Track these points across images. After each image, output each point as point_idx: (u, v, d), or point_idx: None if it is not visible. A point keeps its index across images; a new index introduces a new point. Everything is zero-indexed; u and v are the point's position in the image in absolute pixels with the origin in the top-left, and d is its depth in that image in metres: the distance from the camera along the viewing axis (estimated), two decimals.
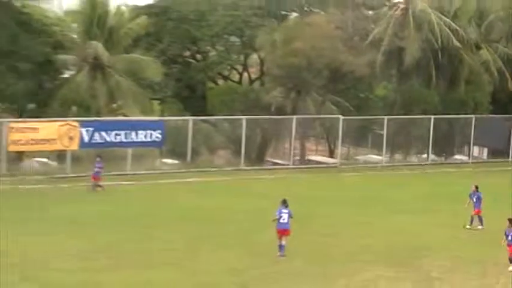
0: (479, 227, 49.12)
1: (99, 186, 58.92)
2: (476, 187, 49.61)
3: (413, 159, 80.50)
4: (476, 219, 49.06)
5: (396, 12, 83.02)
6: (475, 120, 79.31)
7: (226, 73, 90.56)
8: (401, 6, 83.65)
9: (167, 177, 67.33)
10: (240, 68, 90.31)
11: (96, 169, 59.69)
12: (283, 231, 41.95)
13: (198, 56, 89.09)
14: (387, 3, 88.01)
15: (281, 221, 41.81)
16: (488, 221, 48.25)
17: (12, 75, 69.48)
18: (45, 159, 71.37)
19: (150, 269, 39.28)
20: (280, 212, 41.89)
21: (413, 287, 37.44)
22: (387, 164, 76.34)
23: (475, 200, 49.27)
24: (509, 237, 39.69)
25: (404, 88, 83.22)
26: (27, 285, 36.45)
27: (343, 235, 47.16)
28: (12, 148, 65.35)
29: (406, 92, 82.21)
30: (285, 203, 42.54)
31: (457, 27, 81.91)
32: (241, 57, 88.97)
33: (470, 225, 49.11)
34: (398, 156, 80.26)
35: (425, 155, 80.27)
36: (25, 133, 65.46)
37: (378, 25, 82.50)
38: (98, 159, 61.41)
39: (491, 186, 55.92)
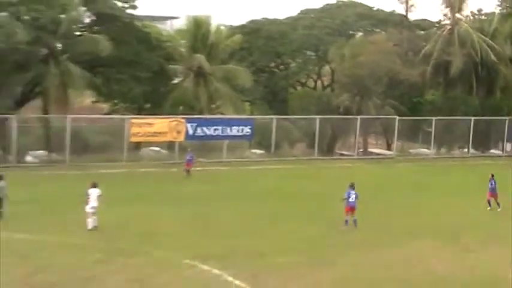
0: (498, 209, 48.76)
1: (188, 171, 59.17)
2: (492, 175, 49.37)
3: (457, 152, 79.95)
4: (493, 202, 48.92)
5: (444, 32, 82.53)
6: (508, 121, 78.70)
7: (303, 81, 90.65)
8: (448, 27, 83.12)
9: (254, 164, 68.03)
10: (315, 76, 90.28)
11: (188, 158, 60.40)
12: (350, 209, 42.52)
13: (281, 67, 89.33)
14: (436, 25, 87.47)
15: (349, 200, 42.36)
16: None
17: (133, 81, 70.21)
18: (157, 148, 72.07)
19: (236, 238, 39.77)
20: (349, 193, 42.49)
21: (453, 257, 37.52)
22: (435, 156, 76.10)
23: (491, 186, 49.14)
24: None
25: (450, 95, 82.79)
26: (146, 246, 37.27)
27: (398, 213, 47.36)
28: (133, 139, 66.76)
29: (451, 98, 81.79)
30: (352, 186, 43.06)
31: (494, 45, 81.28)
32: (316, 68, 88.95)
33: (490, 207, 48.84)
34: (443, 150, 79.75)
35: (466, 149, 79.82)
36: (142, 127, 66.56)
37: (428, 42, 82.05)
38: (189, 149, 63.56)
39: None
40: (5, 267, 33.41)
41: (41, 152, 67.74)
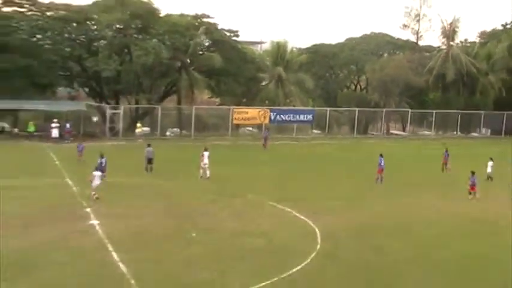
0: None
1: (264, 145, 58.79)
2: (446, 149, 49.44)
3: (449, 134, 78.91)
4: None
5: (442, 54, 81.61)
6: (484, 114, 78.00)
7: (348, 85, 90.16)
8: (445, 50, 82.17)
9: (314, 140, 68.17)
10: (355, 82, 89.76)
11: (264, 135, 60.31)
12: (380, 170, 42.63)
13: (333, 76, 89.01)
14: (437, 49, 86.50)
15: (381, 164, 42.49)
16: None
17: (235, 84, 70.95)
18: (250, 128, 72.50)
19: (301, 188, 40.15)
20: (380, 160, 42.54)
21: (456, 202, 37.51)
22: (434, 137, 75.25)
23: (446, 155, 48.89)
24: None
25: (445, 95, 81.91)
26: (242, 192, 37.88)
27: (410, 173, 47.25)
28: (235, 122, 67.26)
29: (446, 98, 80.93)
30: (381, 155, 43.13)
31: (475, 62, 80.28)
32: (356, 77, 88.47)
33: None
34: (440, 132, 78.73)
35: (455, 132, 78.93)
36: (241, 114, 67.30)
37: (431, 60, 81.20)
38: (265, 129, 63.80)
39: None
40: (151, 202, 34.47)
41: (175, 129, 68.87)
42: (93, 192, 34.42)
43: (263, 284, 22.67)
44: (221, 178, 42.43)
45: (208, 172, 42.35)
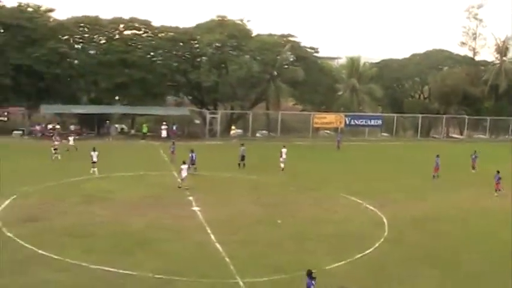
0: None
1: (338, 147, 57.56)
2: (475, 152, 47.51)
3: (501, 138, 75.98)
4: None
5: (495, 68, 78.91)
6: None
7: (412, 94, 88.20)
8: (498, 65, 79.33)
9: (383, 141, 67.16)
10: (419, 92, 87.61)
11: (338, 138, 58.98)
12: (436, 169, 42.08)
13: (400, 86, 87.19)
14: (491, 64, 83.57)
15: (437, 163, 41.76)
16: None
17: (315, 93, 70.50)
18: (328, 131, 71.93)
19: (371, 182, 39.70)
20: (437, 160, 41.98)
21: (499, 198, 36.30)
22: (488, 140, 72.87)
23: None
24: None
25: (498, 104, 79.16)
26: (319, 185, 37.70)
27: (463, 171, 45.75)
28: (315, 125, 67.12)
29: (499, 106, 78.17)
30: (438, 156, 42.51)
31: None
32: (420, 87, 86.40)
33: None
34: (493, 136, 75.99)
35: (507, 136, 75.93)
36: (320, 119, 67.15)
37: (486, 73, 78.65)
38: (339, 132, 62.58)
39: None
40: (243, 193, 34.78)
41: (264, 131, 69.05)
42: (181, 181, 35.49)
43: (339, 263, 22.71)
44: (301, 173, 42.50)
45: (282, 165, 42.82)
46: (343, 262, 22.86)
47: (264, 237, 25.81)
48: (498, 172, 37.62)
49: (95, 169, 38.88)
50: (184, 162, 36.26)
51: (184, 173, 35.39)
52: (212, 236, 25.53)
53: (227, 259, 22.28)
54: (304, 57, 70.42)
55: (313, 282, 17.82)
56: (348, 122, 67.95)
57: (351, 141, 62.72)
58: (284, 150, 43.69)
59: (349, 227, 28.03)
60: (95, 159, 39.07)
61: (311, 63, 70.78)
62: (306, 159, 48.82)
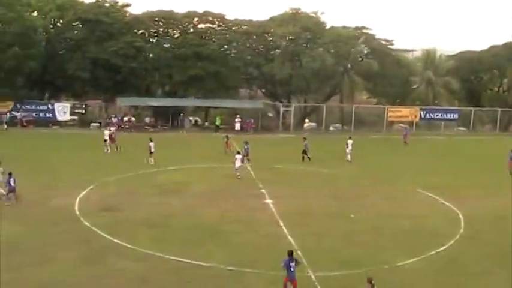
0: None
1: (406, 142, 54.74)
2: None
3: None
4: None
5: None
6: None
7: (491, 87, 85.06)
8: None
9: (459, 136, 65.19)
10: (498, 85, 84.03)
11: (404, 132, 56.60)
12: (511, 164, 40.32)
13: (477, 79, 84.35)
14: None
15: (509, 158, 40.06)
16: None
17: (390, 87, 69.26)
18: (402, 125, 69.92)
19: (443, 176, 38.67)
20: (510, 154, 40.24)
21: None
22: None
23: None
24: None
25: None
26: (391, 179, 36.97)
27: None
28: (390, 119, 66.15)
29: None
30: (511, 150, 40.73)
31: None
32: (499, 80, 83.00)
33: None
34: None
35: None
36: (395, 112, 66.28)
37: None
38: (407, 126, 60.54)
39: None
40: (316, 186, 34.58)
41: (337, 125, 68.49)
42: (237, 172, 36.09)
43: (413, 260, 22.26)
44: (374, 167, 41.93)
45: (349, 157, 42.91)
46: (416, 258, 22.37)
47: (337, 231, 25.57)
48: None
49: (152, 159, 39.92)
50: (238, 153, 37.28)
51: (238, 163, 36.21)
52: (284, 229, 25.49)
53: (299, 252, 22.13)
54: (379, 50, 69.41)
55: (291, 264, 18.17)
56: (423, 116, 66.53)
57: (426, 135, 61.27)
58: (350, 141, 43.72)
59: (424, 223, 27.38)
60: (152, 149, 40.34)
61: (385, 55, 69.55)
62: (379, 153, 48.08)
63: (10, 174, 28.60)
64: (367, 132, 60.97)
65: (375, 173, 39.76)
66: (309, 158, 42.78)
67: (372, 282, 17.27)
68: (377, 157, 45.48)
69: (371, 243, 24.17)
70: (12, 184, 28.44)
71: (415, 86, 73.13)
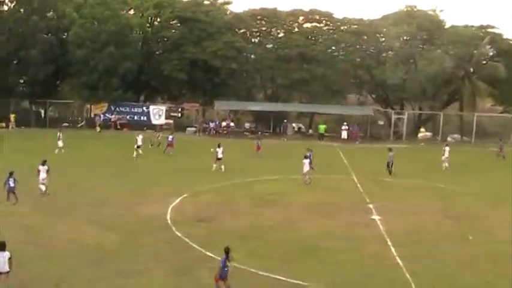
0: None
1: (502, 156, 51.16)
2: None
3: None
4: None
5: None
6: None
7: None
8: None
9: None
10: None
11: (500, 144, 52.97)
12: None
13: None
14: None
15: None
16: None
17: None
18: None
19: None
20: None
21: None
22: None
23: None
24: None
25: None
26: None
27: None
28: None
29: None
30: None
31: None
32: None
33: None
34: None
35: None
36: None
37: None
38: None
39: None
40: (429, 202, 33.62)
41: (456, 135, 66.81)
42: (306, 176, 37.43)
43: None
44: (497, 183, 40.08)
45: (446, 164, 43.84)
46: None
47: (452, 255, 24.64)
48: None
49: (216, 165, 40.79)
50: (306, 157, 37.77)
51: (306, 168, 37.36)
52: (392, 249, 24.86)
53: (408, 276, 21.51)
54: (507, 52, 67.01)
55: (227, 263, 18.18)
56: None
57: None
58: (447, 148, 44.44)
59: None
60: (220, 155, 41.04)
61: None
62: (505, 168, 46.16)
63: (11, 173, 29.39)
64: (490, 144, 58.72)
65: (497, 189, 38.18)
66: (390, 172, 41.67)
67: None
68: (502, 172, 43.73)
69: (490, 270, 23.03)
70: (12, 184, 29.34)
71: None
